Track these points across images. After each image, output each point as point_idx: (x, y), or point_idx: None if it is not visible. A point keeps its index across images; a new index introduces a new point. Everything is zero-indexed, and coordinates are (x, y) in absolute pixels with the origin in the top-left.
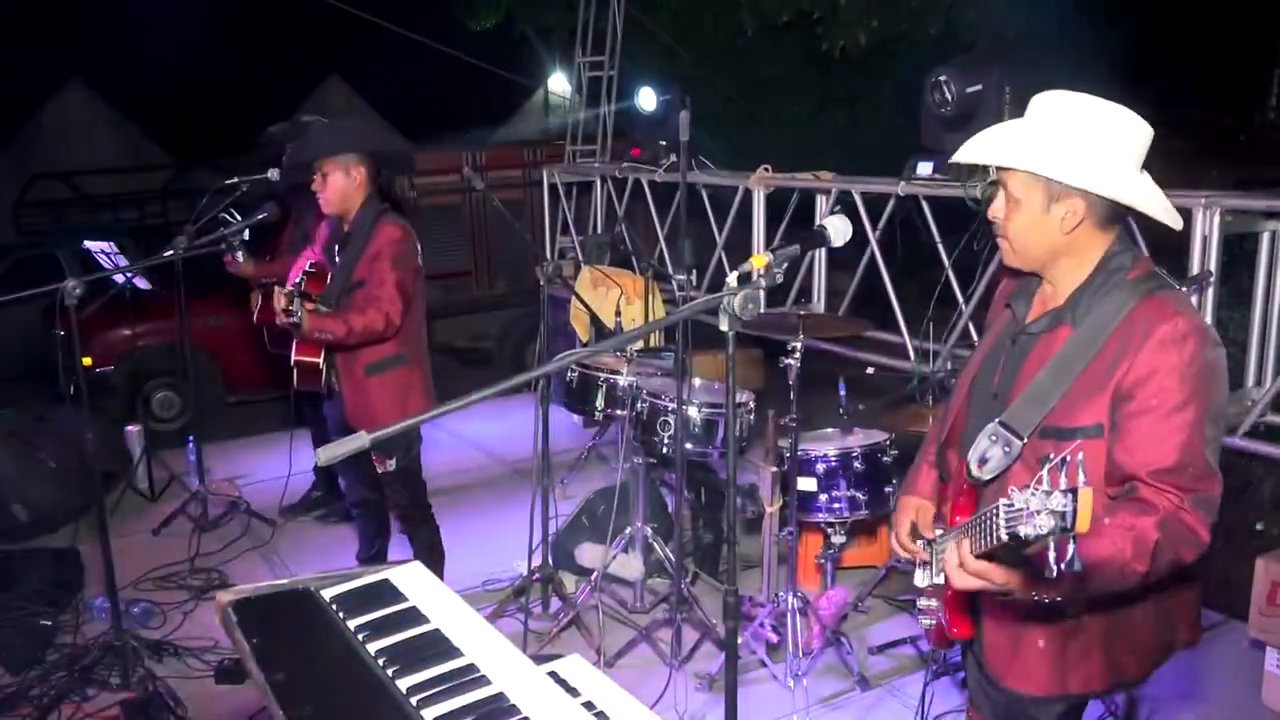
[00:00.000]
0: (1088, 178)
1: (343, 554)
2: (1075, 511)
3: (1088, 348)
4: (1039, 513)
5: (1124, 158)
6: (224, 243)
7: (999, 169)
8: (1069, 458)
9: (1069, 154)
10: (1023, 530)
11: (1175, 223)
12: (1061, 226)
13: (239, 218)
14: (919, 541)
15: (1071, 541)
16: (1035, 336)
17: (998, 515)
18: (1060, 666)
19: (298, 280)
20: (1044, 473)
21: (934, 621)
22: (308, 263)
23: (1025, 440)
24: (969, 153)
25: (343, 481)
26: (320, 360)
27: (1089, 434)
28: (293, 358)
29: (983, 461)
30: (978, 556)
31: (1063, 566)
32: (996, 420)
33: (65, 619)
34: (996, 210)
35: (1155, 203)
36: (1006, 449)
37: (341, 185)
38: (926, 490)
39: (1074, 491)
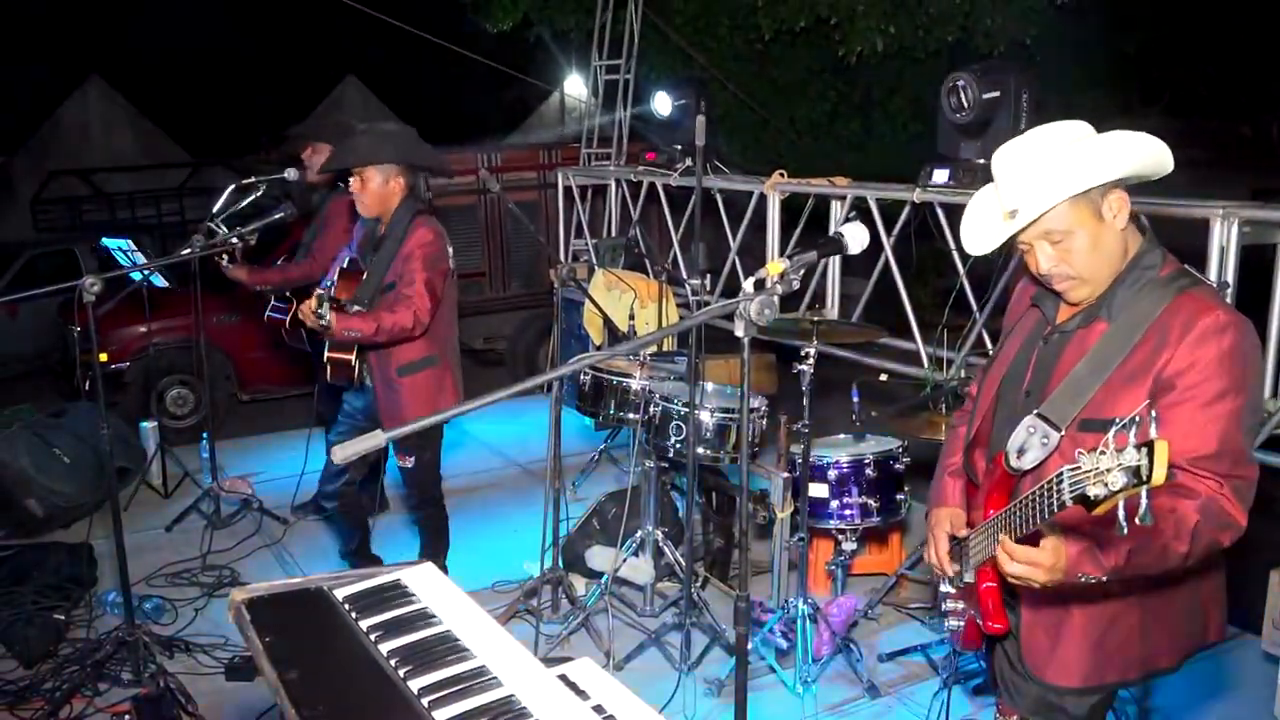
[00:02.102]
0: (1113, 163)
1: None
2: (1151, 465)
3: (1125, 341)
4: (1110, 470)
5: (1100, 142)
6: (239, 243)
7: (1019, 230)
8: (1139, 418)
9: (1078, 161)
10: (1092, 491)
11: (1167, 165)
12: (1117, 224)
13: (223, 229)
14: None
15: (1144, 495)
16: (1069, 334)
17: (1059, 483)
18: (1099, 659)
19: (328, 283)
20: (1110, 435)
21: (963, 623)
22: (345, 259)
23: (1063, 432)
24: (989, 236)
25: (323, 470)
26: (353, 357)
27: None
28: (325, 354)
29: (1021, 452)
30: (1020, 539)
31: (1136, 520)
32: (1034, 412)
33: (78, 614)
34: (1050, 261)
35: (1158, 153)
36: (1045, 440)
37: (380, 191)
38: (955, 499)
39: (1149, 445)
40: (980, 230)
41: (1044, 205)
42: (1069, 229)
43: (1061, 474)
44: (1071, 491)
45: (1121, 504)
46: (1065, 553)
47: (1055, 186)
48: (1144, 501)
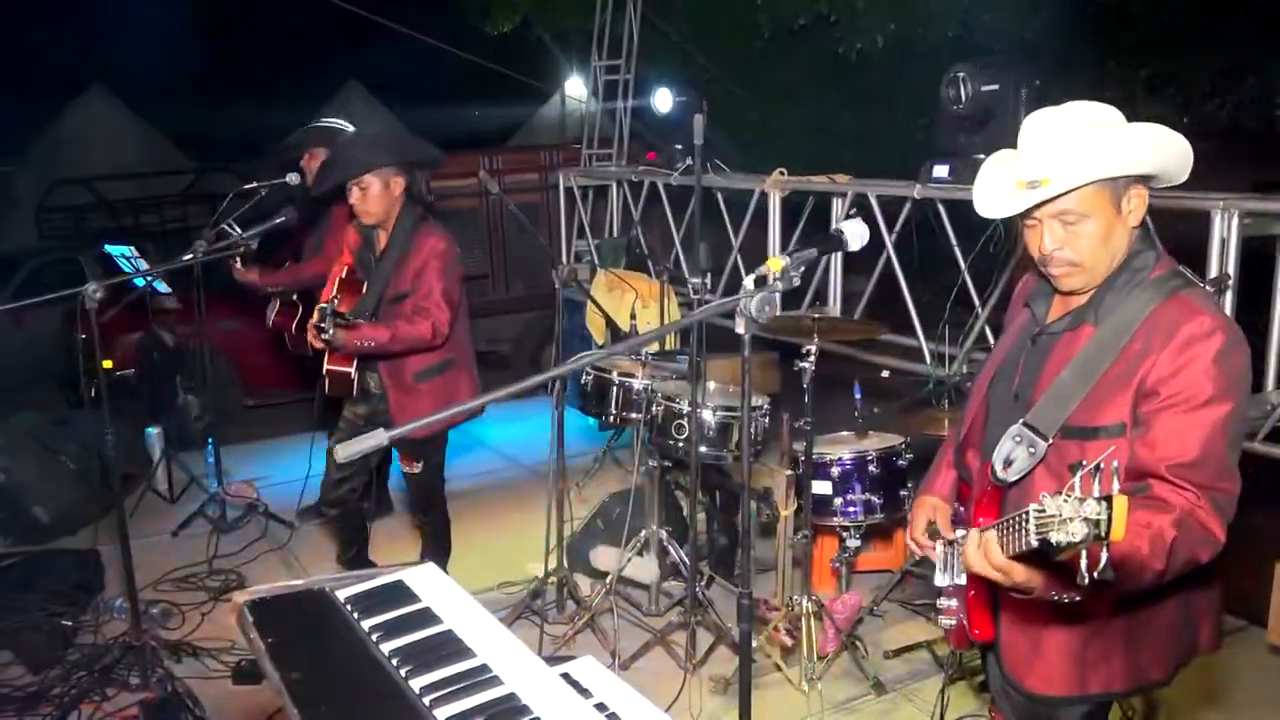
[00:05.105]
0: (1145, 156)
1: None
2: (1110, 519)
3: (1111, 346)
4: (1072, 520)
5: (1136, 131)
6: (242, 247)
7: (1041, 202)
8: (1103, 464)
9: (1113, 146)
10: (1054, 537)
11: (1183, 174)
12: (1132, 221)
13: (239, 230)
14: (937, 542)
15: (1105, 549)
16: (1057, 336)
17: (1027, 521)
18: (1080, 668)
19: (331, 297)
20: (1076, 480)
21: (955, 622)
22: (343, 269)
23: (1050, 441)
24: (1005, 202)
25: (324, 477)
26: (352, 369)
27: (1111, 433)
28: (325, 366)
29: (1007, 463)
30: (1008, 558)
31: (1094, 574)
32: (1020, 421)
33: (85, 619)
34: (1055, 242)
35: (1183, 157)
36: (1031, 450)
37: (382, 197)
38: (945, 490)
39: (1109, 499)
40: (995, 195)
41: (1074, 182)
42: (1085, 213)
43: (1029, 513)
44: (1038, 534)
45: (1084, 554)
46: (1038, 574)
47: (1087, 166)
48: (1104, 556)
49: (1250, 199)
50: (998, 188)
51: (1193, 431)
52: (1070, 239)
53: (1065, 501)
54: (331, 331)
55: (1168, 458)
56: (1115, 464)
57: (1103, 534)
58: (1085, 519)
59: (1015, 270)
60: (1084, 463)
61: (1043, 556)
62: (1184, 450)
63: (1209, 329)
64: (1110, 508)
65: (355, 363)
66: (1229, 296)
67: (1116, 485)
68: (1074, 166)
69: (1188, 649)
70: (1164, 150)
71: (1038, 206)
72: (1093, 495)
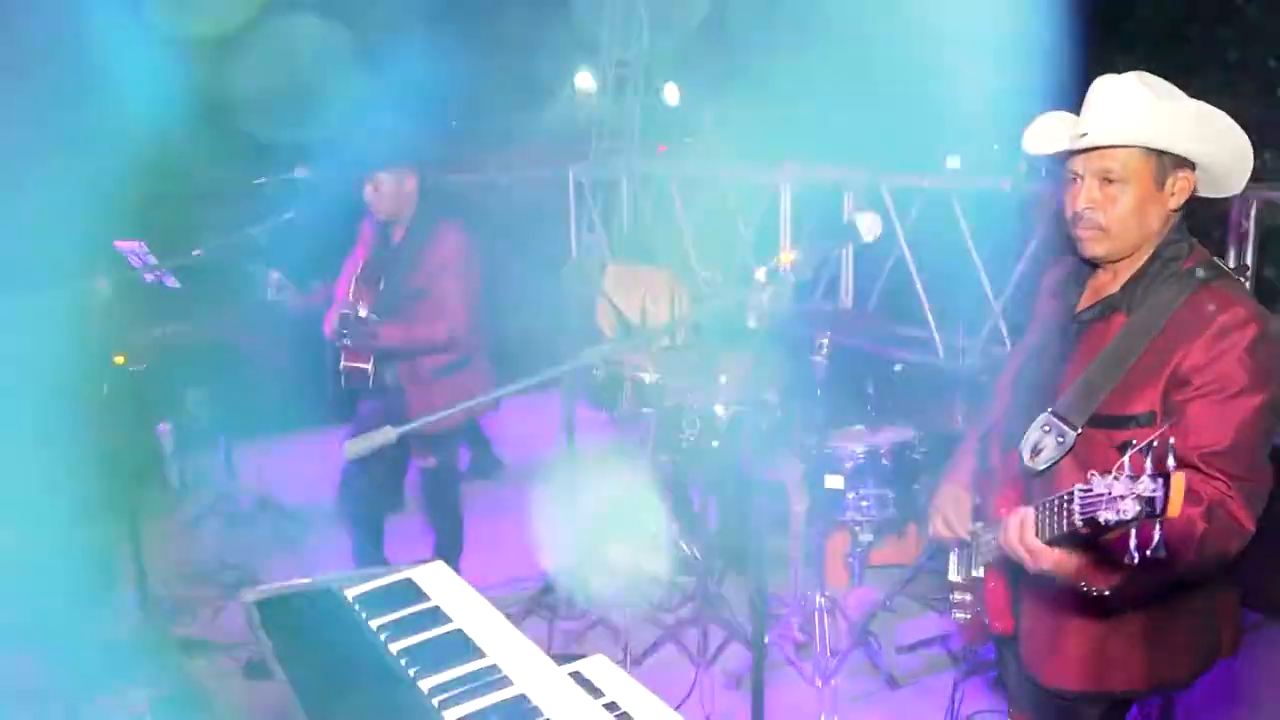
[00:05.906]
0: (1199, 138)
1: None
2: (1166, 497)
3: (1143, 335)
4: (1124, 498)
5: (1187, 109)
6: (249, 242)
7: (1074, 154)
8: (1155, 441)
9: (1171, 119)
10: (1103, 516)
11: (1232, 183)
12: (1172, 204)
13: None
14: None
15: (1157, 527)
16: (1087, 325)
17: (1071, 502)
18: (1099, 664)
19: (350, 303)
20: (1125, 459)
21: (969, 616)
22: (359, 266)
23: (1079, 430)
24: (1049, 141)
25: (342, 474)
26: (369, 366)
27: (1141, 422)
28: (342, 363)
29: (1035, 452)
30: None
31: (1147, 553)
32: (1049, 410)
33: (98, 614)
34: (1090, 201)
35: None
36: (1060, 439)
37: (396, 194)
38: (967, 478)
39: (1165, 476)
40: (1043, 135)
41: (1109, 139)
42: (1125, 178)
43: (1073, 493)
44: (1083, 514)
45: (1134, 533)
46: (1072, 561)
47: (1126, 129)
48: (1157, 534)
49: (1267, 189)
50: (1048, 132)
51: (1226, 420)
52: (1105, 202)
53: (1116, 480)
54: (352, 339)
55: (1200, 445)
56: (1171, 440)
57: (1157, 511)
58: (1139, 496)
59: (1031, 263)
60: (1134, 442)
61: (1079, 542)
62: (1217, 438)
63: (1243, 319)
64: (1167, 485)
65: (372, 359)
66: (1246, 286)
67: (1172, 462)
68: (1114, 126)
69: (1209, 652)
70: (1212, 138)
71: (1077, 155)
72: (1146, 473)
